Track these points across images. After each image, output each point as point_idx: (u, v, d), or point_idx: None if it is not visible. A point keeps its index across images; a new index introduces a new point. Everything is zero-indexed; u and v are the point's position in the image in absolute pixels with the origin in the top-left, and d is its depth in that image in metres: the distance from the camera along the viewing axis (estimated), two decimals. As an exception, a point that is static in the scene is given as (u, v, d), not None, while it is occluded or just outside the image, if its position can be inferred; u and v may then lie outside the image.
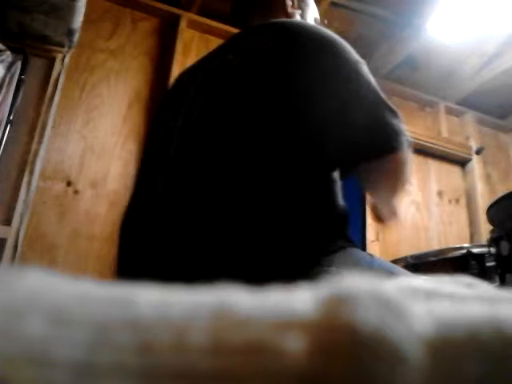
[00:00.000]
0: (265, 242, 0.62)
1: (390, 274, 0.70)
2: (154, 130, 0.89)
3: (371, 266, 0.69)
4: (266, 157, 0.67)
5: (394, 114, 0.71)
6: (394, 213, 0.79)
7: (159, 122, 0.86)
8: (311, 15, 0.99)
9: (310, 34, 0.74)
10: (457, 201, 2.75)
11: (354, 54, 0.74)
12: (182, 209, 0.66)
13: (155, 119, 0.91)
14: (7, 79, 1.71)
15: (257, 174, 0.66)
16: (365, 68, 0.73)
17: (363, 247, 2.33)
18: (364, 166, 0.73)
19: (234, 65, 0.75)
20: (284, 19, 0.82)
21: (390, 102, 0.73)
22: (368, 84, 0.71)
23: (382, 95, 0.72)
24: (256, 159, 0.67)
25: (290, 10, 0.93)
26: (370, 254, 0.76)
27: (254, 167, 0.66)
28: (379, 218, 0.84)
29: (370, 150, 0.70)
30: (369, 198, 0.91)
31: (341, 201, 0.74)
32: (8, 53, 1.71)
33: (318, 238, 0.65)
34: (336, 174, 0.76)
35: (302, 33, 0.74)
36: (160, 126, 0.83)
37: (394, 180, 0.76)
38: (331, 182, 0.72)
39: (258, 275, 0.59)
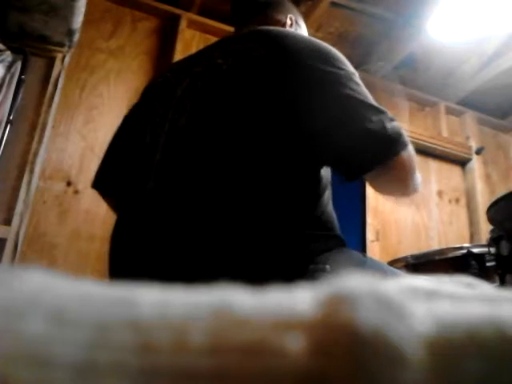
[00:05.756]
0: (259, 241, 0.63)
1: (384, 273, 0.71)
2: (131, 127, 0.87)
3: (364, 264, 0.70)
4: (257, 159, 0.67)
5: (391, 120, 0.70)
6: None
7: (141, 120, 0.84)
8: None
9: (303, 42, 0.73)
10: (457, 201, 2.75)
11: (349, 65, 0.74)
12: (175, 213, 0.66)
13: (134, 114, 0.89)
14: (7, 79, 1.71)
15: (248, 177, 0.66)
16: (359, 80, 0.73)
17: (363, 247, 2.33)
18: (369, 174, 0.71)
19: (223, 70, 0.74)
20: (277, 28, 0.80)
21: (384, 110, 0.71)
22: (365, 95, 0.70)
23: (377, 104, 0.71)
24: (247, 162, 0.67)
25: (287, 27, 0.93)
26: (363, 254, 0.77)
27: (246, 170, 0.67)
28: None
29: (373, 159, 0.68)
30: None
31: (330, 203, 0.75)
32: (8, 53, 1.71)
33: (311, 237, 0.66)
34: (328, 177, 0.76)
35: (295, 42, 0.73)
36: (144, 128, 0.82)
37: (403, 182, 0.74)
38: (323, 184, 0.73)
39: (253, 274, 0.60)
